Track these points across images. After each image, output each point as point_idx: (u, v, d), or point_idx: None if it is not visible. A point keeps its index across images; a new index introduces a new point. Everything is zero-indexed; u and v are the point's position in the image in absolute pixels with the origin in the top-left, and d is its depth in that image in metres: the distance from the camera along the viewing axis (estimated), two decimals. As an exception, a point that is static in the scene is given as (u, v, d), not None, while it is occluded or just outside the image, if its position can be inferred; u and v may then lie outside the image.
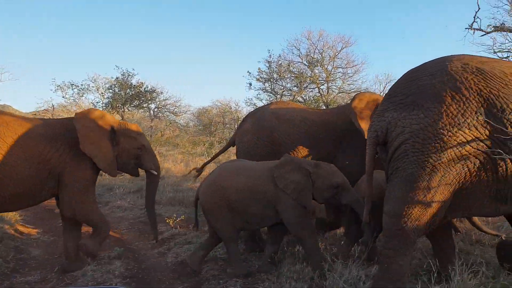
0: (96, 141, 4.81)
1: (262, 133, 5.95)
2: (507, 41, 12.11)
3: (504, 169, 3.18)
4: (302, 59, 17.36)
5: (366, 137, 5.10)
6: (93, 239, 4.85)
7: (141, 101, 17.50)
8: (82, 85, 17.39)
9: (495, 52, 12.16)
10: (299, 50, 17.34)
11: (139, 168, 5.37)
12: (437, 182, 3.21)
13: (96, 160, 4.76)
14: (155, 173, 5.38)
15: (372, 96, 5.79)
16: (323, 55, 17.30)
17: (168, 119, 18.96)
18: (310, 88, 17.56)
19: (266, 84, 16.85)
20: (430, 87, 3.31)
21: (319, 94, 17.19)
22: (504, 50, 11.92)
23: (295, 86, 17.20)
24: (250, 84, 17.01)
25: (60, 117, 9.07)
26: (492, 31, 11.39)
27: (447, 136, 3.15)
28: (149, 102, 18.02)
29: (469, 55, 3.59)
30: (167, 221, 6.62)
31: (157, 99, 18.28)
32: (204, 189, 4.66)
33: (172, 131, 17.25)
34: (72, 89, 17.19)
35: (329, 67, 17.49)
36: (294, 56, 17.51)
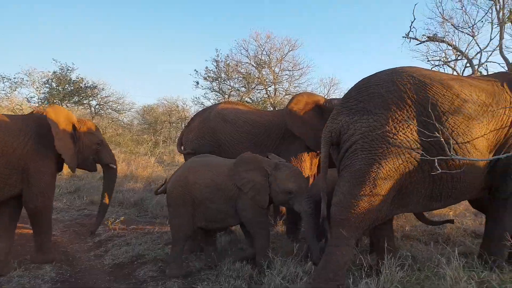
0: (63, 137, 4.89)
1: (207, 133, 5.96)
2: (439, 50, 13.11)
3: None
4: (250, 60, 17.50)
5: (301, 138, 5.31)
6: (40, 252, 4.85)
7: (81, 97, 16.65)
8: (15, 78, 16.21)
9: (428, 60, 13.10)
10: (247, 51, 17.46)
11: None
12: (382, 179, 3.53)
13: (64, 156, 4.84)
14: (114, 166, 5.59)
15: (311, 98, 5.81)
16: (270, 57, 17.56)
17: (111, 117, 18.22)
18: (258, 89, 17.73)
19: (214, 84, 16.79)
20: (379, 95, 3.69)
21: (266, 96, 17.41)
22: (436, 59, 12.86)
23: (243, 86, 17.28)
24: (197, 83, 16.84)
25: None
26: (426, 41, 12.24)
27: (392, 139, 3.53)
28: (90, 98, 17.19)
29: (415, 67, 3.96)
30: (105, 222, 6.35)
31: (98, 96, 17.49)
32: (171, 183, 4.59)
33: (115, 129, 16.59)
34: (4, 82, 15.96)
35: (276, 69, 17.80)
36: (242, 57, 17.61)
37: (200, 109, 18.73)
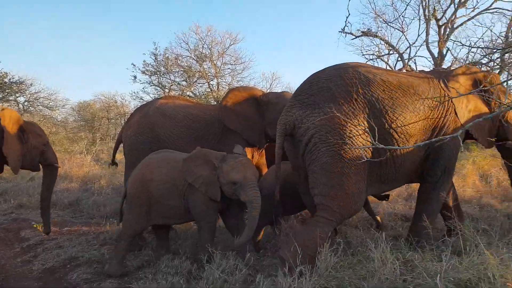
0: (12, 141, 5.03)
1: (145, 129, 5.76)
2: (372, 44, 13.81)
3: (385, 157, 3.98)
4: (191, 53, 17.21)
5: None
6: None
7: (6, 93, 15.38)
8: None
9: (363, 54, 13.75)
10: (187, 44, 17.15)
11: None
12: (348, 168, 3.83)
13: (9, 159, 4.98)
14: (58, 166, 5.79)
15: (247, 92, 5.82)
16: (212, 50, 17.39)
17: (42, 114, 17.04)
18: (200, 83, 17.51)
19: (153, 77, 16.29)
20: (328, 89, 3.97)
21: (209, 90, 17.25)
22: (370, 53, 13.53)
23: (184, 80, 16.97)
24: (135, 77, 16.25)
25: None
26: (360, 35, 12.83)
27: (343, 131, 3.82)
28: (17, 94, 15.95)
29: (361, 63, 4.30)
30: (35, 226, 5.95)
31: (27, 92, 16.27)
32: (130, 179, 4.50)
33: (48, 128, 15.54)
34: None
35: (218, 63, 17.68)
36: (182, 50, 17.27)
37: (140, 104, 18.22)
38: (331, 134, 3.83)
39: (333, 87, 3.96)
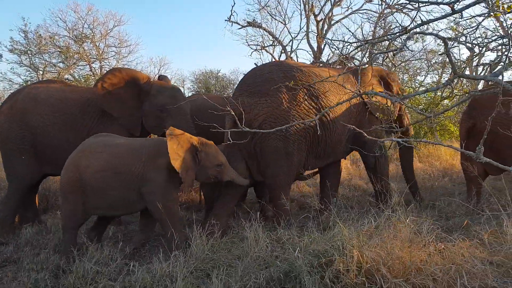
0: None
1: (15, 116, 5.17)
2: (257, 35, 14.33)
3: (319, 137, 4.83)
4: (69, 33, 15.66)
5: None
6: None
7: None
8: None
9: (248, 44, 14.16)
10: (65, 22, 15.56)
11: None
12: (292, 149, 4.69)
13: None
14: None
15: (129, 74, 5.48)
16: (93, 31, 16.08)
17: None
18: (80, 66, 16.08)
19: (23, 57, 14.43)
20: (271, 80, 4.73)
21: (91, 73, 15.96)
22: (254, 43, 13.97)
23: (61, 62, 15.38)
24: (1, 56, 14.20)
25: None
26: (246, 26, 13.16)
27: (287, 115, 4.62)
28: None
29: (292, 61, 5.39)
30: None
31: None
32: (64, 167, 4.09)
33: None
34: None
35: (101, 45, 16.45)
36: (60, 29, 15.61)
37: (9, 87, 15.99)
38: (280, 120, 4.59)
39: (276, 78, 4.76)
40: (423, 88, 7.29)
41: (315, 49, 14.15)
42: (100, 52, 16.06)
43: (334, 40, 11.09)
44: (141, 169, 3.97)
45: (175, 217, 4.09)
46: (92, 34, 15.81)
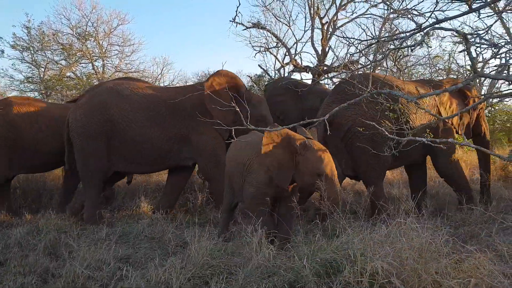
0: None
1: (96, 110, 5.32)
2: (261, 36, 14.16)
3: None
4: (73, 31, 15.51)
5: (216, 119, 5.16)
6: None
7: None
8: None
9: (252, 46, 13.98)
10: (69, 20, 15.41)
11: None
12: (378, 150, 4.79)
13: None
14: None
15: (231, 77, 5.77)
16: (97, 29, 15.94)
17: None
18: (82, 64, 15.92)
19: (25, 53, 14.28)
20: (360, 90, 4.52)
21: (93, 71, 15.80)
22: (258, 45, 13.81)
23: (63, 59, 15.23)
24: (2, 51, 14.04)
25: None
26: (251, 27, 12.99)
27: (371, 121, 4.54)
28: None
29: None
30: None
31: None
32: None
33: None
34: None
35: (104, 43, 16.29)
36: (63, 27, 15.46)
37: (9, 83, 15.82)
38: (364, 125, 4.66)
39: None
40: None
41: (319, 52, 13.97)
42: (103, 50, 15.91)
43: (345, 37, 10.85)
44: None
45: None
46: (96, 32, 15.67)
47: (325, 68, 12.51)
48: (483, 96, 4.82)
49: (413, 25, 12.56)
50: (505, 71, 2.84)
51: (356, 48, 5.36)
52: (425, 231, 3.02)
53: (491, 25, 3.75)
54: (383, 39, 4.70)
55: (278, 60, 13.87)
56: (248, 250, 3.44)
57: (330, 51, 13.37)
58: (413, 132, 4.09)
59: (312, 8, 13.21)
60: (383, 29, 12.97)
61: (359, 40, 4.73)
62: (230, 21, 11.37)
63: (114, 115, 5.30)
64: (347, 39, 8.65)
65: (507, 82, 3.63)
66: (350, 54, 7.14)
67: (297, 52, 13.44)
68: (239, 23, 11.78)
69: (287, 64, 13.50)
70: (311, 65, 13.23)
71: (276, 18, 13.70)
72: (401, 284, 2.48)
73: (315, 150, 3.80)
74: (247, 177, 4.05)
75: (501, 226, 4.26)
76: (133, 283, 3.11)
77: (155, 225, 4.88)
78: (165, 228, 4.70)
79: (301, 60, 13.73)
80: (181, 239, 4.39)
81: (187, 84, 13.60)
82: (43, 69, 14.74)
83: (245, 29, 12.53)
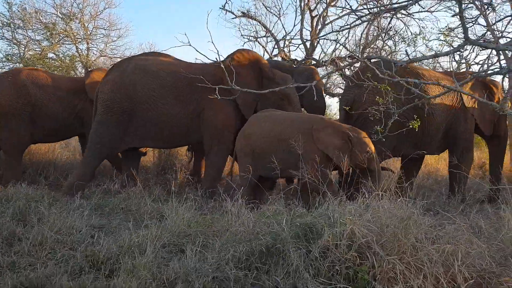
0: None
1: (122, 86, 5.32)
2: (250, 25, 14.07)
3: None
4: (57, 10, 15.10)
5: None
6: None
7: None
8: None
9: (241, 35, 13.86)
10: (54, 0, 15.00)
11: None
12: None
13: None
14: None
15: (254, 55, 5.77)
16: (83, 11, 15.56)
17: None
18: (66, 45, 15.51)
19: (5, 30, 13.83)
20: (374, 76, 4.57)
21: (77, 53, 15.43)
22: (247, 34, 13.70)
23: (45, 39, 14.81)
24: (-20, 26, 13.59)
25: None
26: (240, 16, 12.88)
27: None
28: None
29: None
30: None
31: None
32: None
33: None
34: None
35: (90, 26, 15.92)
36: (47, 6, 15.03)
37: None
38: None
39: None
40: (432, 53, 7.01)
41: (308, 46, 13.94)
42: (88, 33, 15.54)
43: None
44: None
45: None
46: (81, 13, 15.29)
47: (313, 62, 12.48)
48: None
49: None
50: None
51: (356, 15, 5.20)
52: (405, 204, 2.99)
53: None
54: (376, 9, 4.58)
55: (267, 51, 13.78)
56: (227, 219, 3.36)
57: (318, 45, 13.36)
58: (399, 112, 4.05)
59: (302, 1, 13.16)
60: (372, 25, 12.99)
61: (351, 9, 4.61)
62: (220, 8, 11.26)
63: (139, 92, 5.30)
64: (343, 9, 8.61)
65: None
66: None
67: (286, 45, 13.38)
68: (229, 11, 11.66)
69: (275, 56, 13.42)
70: (299, 59, 13.17)
71: (267, 9, 13.61)
72: (380, 249, 2.43)
73: (362, 133, 4.49)
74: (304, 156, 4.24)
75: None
76: (104, 247, 2.98)
77: (132, 199, 4.75)
78: (142, 201, 4.58)
79: (289, 52, 13.67)
80: (158, 212, 4.28)
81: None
82: (23, 48, 14.32)
83: (234, 17, 12.41)
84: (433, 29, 12.05)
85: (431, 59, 11.44)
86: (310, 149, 4.29)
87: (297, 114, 5.31)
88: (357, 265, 2.40)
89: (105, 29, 16.37)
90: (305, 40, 13.48)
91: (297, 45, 13.48)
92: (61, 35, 14.53)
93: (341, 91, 12.60)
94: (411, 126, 4.29)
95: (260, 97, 5.43)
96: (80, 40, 15.26)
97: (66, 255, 2.94)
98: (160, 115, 5.34)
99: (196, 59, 6.03)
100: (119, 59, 16.68)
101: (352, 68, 10.80)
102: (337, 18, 13.95)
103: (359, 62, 5.46)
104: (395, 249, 2.46)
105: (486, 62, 4.95)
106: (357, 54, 7.48)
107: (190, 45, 4.45)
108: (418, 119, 4.43)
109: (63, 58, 14.78)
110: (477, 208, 4.06)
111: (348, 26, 6.14)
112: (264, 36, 13.68)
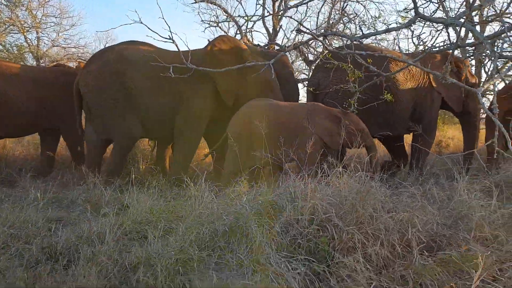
0: None
1: (110, 77, 5.17)
2: (210, 9, 13.84)
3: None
4: (1, -2, 14.16)
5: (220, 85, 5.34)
6: None
7: None
8: None
9: (202, 20, 13.63)
10: (-5, -15, 14.02)
11: None
12: None
13: None
14: None
15: (235, 42, 5.70)
16: (30, -2, 14.67)
17: None
18: (11, 34, 14.62)
19: None
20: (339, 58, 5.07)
21: (25, 44, 14.60)
22: (206, 21, 13.49)
23: (-12, 27, 13.89)
24: None
25: None
26: (199, 1, 12.64)
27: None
28: None
29: None
30: None
31: None
32: None
33: None
34: None
35: (39, 14, 15.07)
36: (-12, -8, 14.04)
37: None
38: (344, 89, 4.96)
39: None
40: (384, 28, 7.11)
41: (270, 31, 13.90)
42: (37, 21, 14.72)
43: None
44: None
45: None
46: (28, 0, 14.43)
47: (276, 47, 12.46)
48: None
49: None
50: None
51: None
52: (363, 179, 3.09)
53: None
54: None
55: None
56: (190, 203, 3.33)
57: (281, 30, 13.34)
58: (359, 90, 4.14)
59: (263, -15, 13.04)
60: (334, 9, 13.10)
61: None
62: (178, -8, 10.96)
63: (126, 82, 5.17)
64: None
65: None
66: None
67: (247, 30, 13.27)
68: (187, -5, 11.37)
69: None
70: (262, 44, 13.12)
71: (226, -8, 13.38)
72: (339, 221, 2.50)
73: (352, 115, 4.78)
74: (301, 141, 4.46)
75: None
76: (62, 239, 2.88)
77: (91, 190, 4.61)
78: (103, 192, 4.45)
79: (252, 38, 13.58)
80: (120, 202, 4.18)
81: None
82: (-35, 38, 13.38)
83: (194, 2, 12.16)
84: (391, 12, 12.28)
85: (391, 42, 11.78)
86: (306, 134, 4.48)
87: (293, 103, 5.49)
88: (318, 238, 2.46)
89: (56, 17, 15.58)
90: (267, 26, 13.45)
91: (258, 31, 13.39)
92: (6, 23, 13.68)
93: (305, 76, 12.73)
94: (384, 100, 4.41)
95: (242, 84, 5.42)
96: (29, 29, 14.45)
97: (20, 248, 2.81)
98: (147, 104, 5.26)
99: (147, 36, 5.87)
100: (73, 49, 16.05)
101: (314, 51, 10.89)
102: (299, 4, 14.03)
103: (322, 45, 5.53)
104: (353, 220, 2.53)
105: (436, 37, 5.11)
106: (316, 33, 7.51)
107: (141, 22, 4.28)
108: (390, 96, 4.56)
109: (10, 48, 13.96)
110: (433, 181, 4.27)
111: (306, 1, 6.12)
112: (225, 21, 13.52)
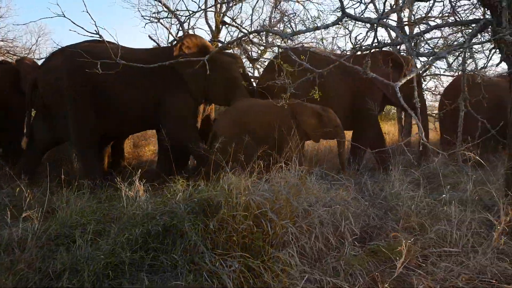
0: None
1: (75, 73, 5.04)
2: (150, 5, 13.43)
3: None
4: None
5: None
6: None
7: None
8: None
9: (142, 16, 13.16)
10: None
11: None
12: None
13: None
14: None
15: (201, 41, 5.72)
16: None
17: None
18: None
19: None
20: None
21: None
22: (146, 16, 13.09)
23: None
24: None
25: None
26: (139, -5, 12.19)
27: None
28: None
29: None
30: None
31: None
32: None
33: None
34: None
35: (-41, 5, 13.77)
36: None
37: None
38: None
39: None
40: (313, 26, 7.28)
41: (213, 28, 13.76)
42: (-43, 12, 13.43)
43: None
44: None
45: None
46: None
47: (219, 44, 12.35)
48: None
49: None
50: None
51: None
52: (299, 173, 3.13)
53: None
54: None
55: (171, 34, 13.30)
56: (123, 204, 3.18)
57: (224, 27, 13.25)
58: (294, 86, 4.19)
59: (200, -20, 12.86)
60: (276, 9, 13.26)
61: None
62: (115, -15, 10.52)
63: (91, 79, 4.96)
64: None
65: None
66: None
67: (190, 27, 13.03)
68: (126, -11, 10.96)
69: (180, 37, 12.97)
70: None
71: (167, -13, 13.01)
72: (274, 215, 2.50)
73: (330, 111, 5.26)
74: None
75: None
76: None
77: (18, 194, 4.26)
78: (29, 195, 4.12)
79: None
80: (48, 205, 3.90)
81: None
82: None
83: (132, -4, 11.70)
84: (330, 12, 12.73)
85: (330, 42, 12.17)
86: (291, 131, 4.84)
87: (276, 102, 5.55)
88: (253, 234, 2.44)
89: (-20, 9, 14.33)
90: (210, 23, 13.30)
91: (202, 29, 13.20)
92: None
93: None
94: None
95: (209, 82, 5.47)
96: None
97: None
98: (115, 100, 5.23)
99: (70, 30, 5.60)
100: (1, 42, 14.85)
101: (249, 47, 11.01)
102: (241, 1, 14.02)
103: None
104: (288, 214, 2.55)
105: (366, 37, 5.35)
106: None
107: (64, 16, 4.03)
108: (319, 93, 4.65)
109: None
110: (368, 175, 4.45)
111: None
112: (167, 17, 13.19)
